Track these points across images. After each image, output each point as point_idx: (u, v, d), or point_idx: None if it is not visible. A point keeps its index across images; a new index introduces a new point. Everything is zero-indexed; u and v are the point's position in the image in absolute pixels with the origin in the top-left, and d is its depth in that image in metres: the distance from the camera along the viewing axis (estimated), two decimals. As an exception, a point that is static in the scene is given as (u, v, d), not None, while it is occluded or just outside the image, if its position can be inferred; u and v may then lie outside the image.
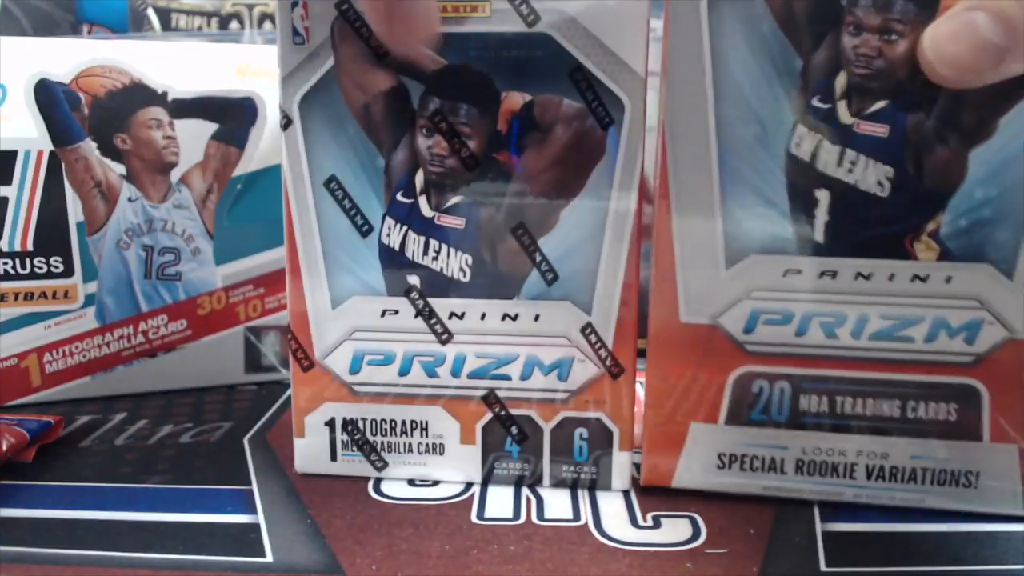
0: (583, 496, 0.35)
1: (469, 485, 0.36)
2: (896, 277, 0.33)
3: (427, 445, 0.36)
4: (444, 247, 0.34)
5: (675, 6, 0.32)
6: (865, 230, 0.32)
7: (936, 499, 0.34)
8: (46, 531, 0.32)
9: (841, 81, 0.32)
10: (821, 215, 0.33)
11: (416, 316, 0.35)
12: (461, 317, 0.35)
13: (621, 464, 0.36)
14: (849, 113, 0.32)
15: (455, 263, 0.34)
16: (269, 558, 0.31)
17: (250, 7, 0.74)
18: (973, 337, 0.33)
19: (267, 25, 0.74)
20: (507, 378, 0.35)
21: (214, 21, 0.74)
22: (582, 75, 0.32)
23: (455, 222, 0.34)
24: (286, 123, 0.34)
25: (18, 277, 0.45)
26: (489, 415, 0.36)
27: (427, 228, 0.34)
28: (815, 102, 0.32)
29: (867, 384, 0.34)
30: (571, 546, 0.31)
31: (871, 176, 0.32)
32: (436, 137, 0.33)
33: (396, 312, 0.35)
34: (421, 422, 0.36)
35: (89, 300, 0.46)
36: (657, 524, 0.33)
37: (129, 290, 0.47)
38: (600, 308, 0.34)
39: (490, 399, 0.36)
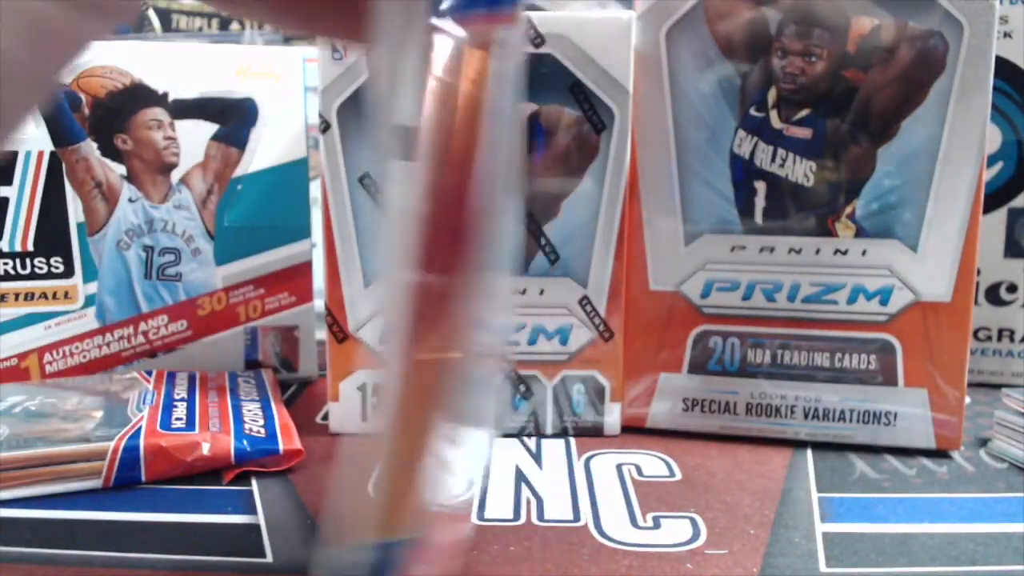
0: (583, 496, 0.35)
1: (469, 486, 0.37)
2: (821, 251, 0.40)
3: None
4: None
5: (640, 38, 0.39)
6: (795, 213, 0.40)
7: (862, 436, 0.40)
8: (46, 531, 0.32)
9: (772, 94, 0.39)
10: (760, 201, 0.40)
11: None
12: None
13: (612, 413, 0.42)
14: (779, 120, 0.39)
15: None
16: (269, 558, 0.31)
17: (250, 8, 0.74)
18: (886, 300, 0.39)
19: (267, 26, 0.74)
20: (516, 343, 0.41)
21: (214, 22, 0.74)
22: (580, 89, 0.39)
23: None
24: (325, 127, 0.39)
25: (18, 277, 0.45)
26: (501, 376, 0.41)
27: None
28: (752, 111, 0.39)
29: (801, 339, 0.41)
30: (571, 546, 0.31)
31: (798, 170, 0.39)
32: None
33: None
34: None
35: (89, 300, 0.46)
36: (657, 524, 0.33)
37: (129, 291, 0.47)
38: (594, 283, 0.41)
39: None
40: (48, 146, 0.44)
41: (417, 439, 0.21)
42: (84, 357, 0.47)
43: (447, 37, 0.19)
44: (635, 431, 0.43)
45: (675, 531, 0.33)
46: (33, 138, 0.44)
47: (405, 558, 0.21)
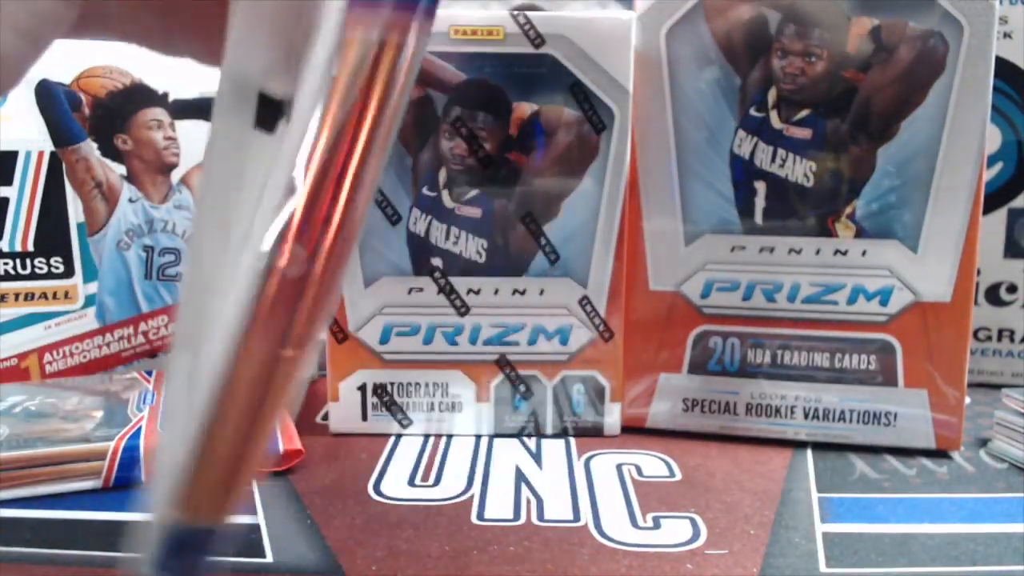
0: (583, 496, 0.35)
1: (469, 486, 0.37)
2: (821, 251, 0.40)
3: (447, 404, 0.42)
4: (463, 233, 0.40)
5: (640, 38, 0.39)
6: (795, 213, 0.40)
7: (862, 436, 0.40)
8: (46, 531, 0.32)
9: (772, 94, 0.39)
10: (760, 202, 0.40)
11: (439, 293, 0.41)
12: (477, 293, 0.41)
13: (612, 413, 0.42)
14: (779, 120, 0.39)
15: (472, 247, 0.40)
16: (269, 558, 0.31)
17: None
18: (886, 300, 0.39)
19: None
20: (516, 344, 0.41)
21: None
22: (580, 89, 0.39)
23: (473, 212, 0.40)
24: None
25: (18, 277, 0.45)
26: (501, 376, 0.42)
27: (448, 217, 0.40)
28: (752, 112, 0.39)
29: (801, 340, 0.41)
30: (571, 547, 0.31)
31: (798, 170, 0.39)
32: (457, 140, 0.39)
33: (421, 290, 0.41)
34: (442, 384, 0.42)
35: (90, 300, 0.46)
36: (657, 524, 0.33)
37: (129, 291, 0.47)
38: (594, 283, 0.41)
39: (502, 362, 0.41)
40: (48, 146, 0.44)
41: (243, 428, 0.19)
42: (84, 357, 0.47)
43: (358, 25, 0.18)
44: (635, 431, 0.43)
45: (675, 531, 0.33)
46: (33, 138, 0.44)
47: (202, 545, 0.19)
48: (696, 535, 0.32)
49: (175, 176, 0.47)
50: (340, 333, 0.41)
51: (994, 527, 0.33)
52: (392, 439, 0.42)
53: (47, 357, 0.46)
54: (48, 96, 0.44)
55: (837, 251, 0.40)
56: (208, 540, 0.19)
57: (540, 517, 0.34)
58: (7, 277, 0.45)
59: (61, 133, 0.45)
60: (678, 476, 0.38)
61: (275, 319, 0.18)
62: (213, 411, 0.19)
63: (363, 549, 0.31)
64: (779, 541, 0.32)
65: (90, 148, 0.45)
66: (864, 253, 0.39)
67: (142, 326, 0.48)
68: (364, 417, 0.42)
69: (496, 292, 0.41)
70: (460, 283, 0.41)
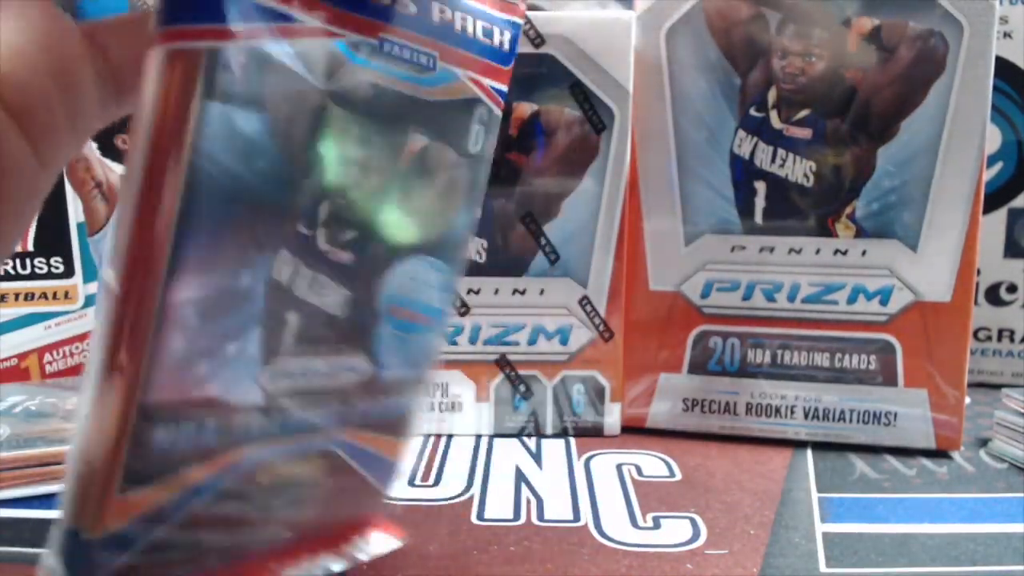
0: (583, 496, 0.35)
1: (469, 486, 0.37)
2: (821, 251, 0.40)
3: (447, 404, 0.42)
4: None
5: (640, 38, 0.39)
6: (795, 213, 0.40)
7: (863, 436, 0.41)
8: (46, 531, 0.32)
9: (772, 94, 0.39)
10: (760, 202, 0.40)
11: None
12: (477, 292, 0.41)
13: (612, 413, 0.42)
14: (779, 120, 0.39)
15: (472, 246, 0.40)
16: (269, 558, 0.31)
17: (250, 8, 0.74)
18: (886, 300, 0.40)
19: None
20: (516, 344, 0.41)
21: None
22: (580, 89, 0.39)
23: None
24: None
25: (18, 277, 0.45)
26: (501, 376, 0.42)
27: None
28: (752, 112, 0.39)
29: (802, 339, 0.41)
30: (571, 546, 0.31)
31: (798, 170, 0.39)
32: None
33: None
34: (442, 384, 0.42)
35: (89, 300, 0.46)
36: (657, 524, 0.33)
37: (129, 290, 0.47)
38: (594, 283, 0.41)
39: (502, 362, 0.41)
40: (48, 146, 0.44)
41: (113, 441, 0.20)
42: (84, 357, 0.47)
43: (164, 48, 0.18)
44: (635, 431, 0.43)
45: (675, 531, 0.33)
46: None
47: (97, 555, 0.20)
48: (696, 535, 0.32)
49: (175, 176, 0.47)
50: None
51: (994, 527, 0.33)
52: (392, 439, 0.42)
53: (47, 357, 0.46)
54: (48, 96, 0.44)
55: (837, 251, 0.40)
56: (88, 546, 0.20)
57: (540, 517, 0.34)
58: (7, 277, 0.45)
59: (61, 133, 0.45)
60: (678, 476, 0.38)
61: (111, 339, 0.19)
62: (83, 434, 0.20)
63: (363, 549, 0.31)
64: (779, 541, 0.32)
65: (90, 148, 0.45)
66: (864, 253, 0.39)
67: (142, 326, 0.48)
68: None
69: (496, 292, 0.41)
70: (460, 283, 0.41)
